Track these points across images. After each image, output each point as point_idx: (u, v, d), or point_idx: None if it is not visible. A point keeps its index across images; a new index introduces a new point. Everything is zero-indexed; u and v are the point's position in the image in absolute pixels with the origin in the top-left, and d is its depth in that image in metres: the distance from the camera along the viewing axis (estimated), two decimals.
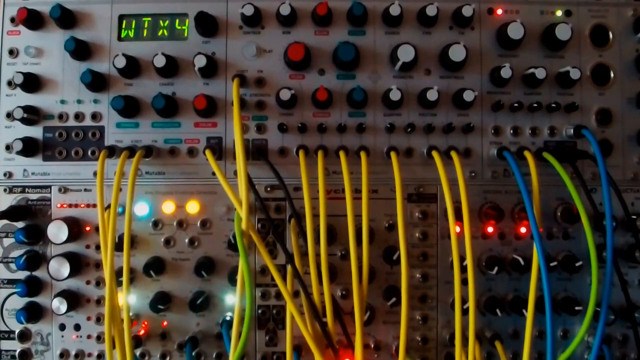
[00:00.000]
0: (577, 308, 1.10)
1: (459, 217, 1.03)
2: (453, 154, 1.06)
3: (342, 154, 1.06)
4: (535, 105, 1.12)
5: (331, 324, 1.01)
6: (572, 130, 1.13)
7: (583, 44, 1.17)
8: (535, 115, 1.15)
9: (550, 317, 0.97)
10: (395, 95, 1.09)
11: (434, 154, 1.06)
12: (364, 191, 1.02)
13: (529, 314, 1.01)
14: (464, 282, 1.02)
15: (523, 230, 1.14)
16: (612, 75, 1.17)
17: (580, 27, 1.16)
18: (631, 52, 1.17)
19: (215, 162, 1.05)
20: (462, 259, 1.03)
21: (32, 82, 1.15)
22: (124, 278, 1.01)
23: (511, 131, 1.14)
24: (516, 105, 1.12)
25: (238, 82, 1.07)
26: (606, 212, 1.02)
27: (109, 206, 1.05)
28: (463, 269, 1.03)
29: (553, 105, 1.13)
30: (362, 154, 1.06)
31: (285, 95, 1.09)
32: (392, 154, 1.07)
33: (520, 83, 1.15)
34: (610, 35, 1.17)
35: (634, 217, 1.14)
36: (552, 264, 1.10)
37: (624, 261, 1.15)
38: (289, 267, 1.05)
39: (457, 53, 1.10)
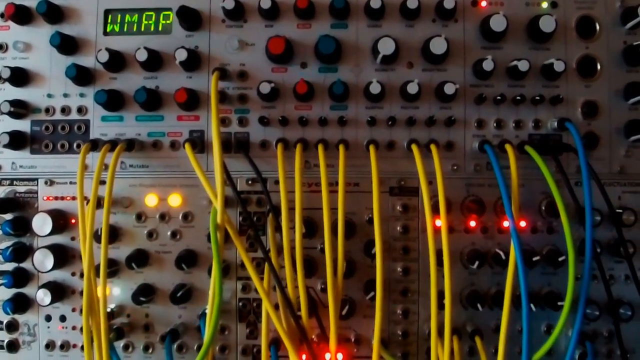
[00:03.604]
0: (560, 303, 1.08)
1: (438, 211, 1.01)
2: (432, 147, 1.06)
3: (320, 147, 1.06)
4: (518, 98, 1.11)
5: (305, 318, 1.01)
6: (556, 123, 1.11)
7: (569, 36, 1.15)
8: (520, 108, 1.13)
9: (527, 313, 0.97)
10: (375, 89, 1.08)
11: (413, 147, 1.06)
12: (340, 184, 1.02)
13: (505, 309, 1.00)
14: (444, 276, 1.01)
15: (506, 224, 1.12)
16: (598, 67, 1.15)
17: (567, 18, 1.15)
18: (619, 43, 1.15)
19: (194, 155, 1.05)
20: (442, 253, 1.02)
21: (20, 77, 1.17)
22: (102, 270, 1.02)
23: (494, 124, 1.13)
24: (499, 98, 1.11)
25: (217, 75, 1.07)
26: (586, 205, 1.01)
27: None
28: (442, 263, 1.02)
29: (537, 98, 1.11)
30: (341, 147, 1.06)
31: (265, 88, 1.09)
32: (371, 147, 1.06)
33: (504, 76, 1.13)
34: (597, 27, 1.15)
35: (619, 211, 1.12)
36: (535, 259, 1.09)
37: (610, 256, 1.13)
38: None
39: (438, 46, 1.09)
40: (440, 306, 1.04)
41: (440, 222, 1.05)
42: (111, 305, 1.14)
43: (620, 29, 1.16)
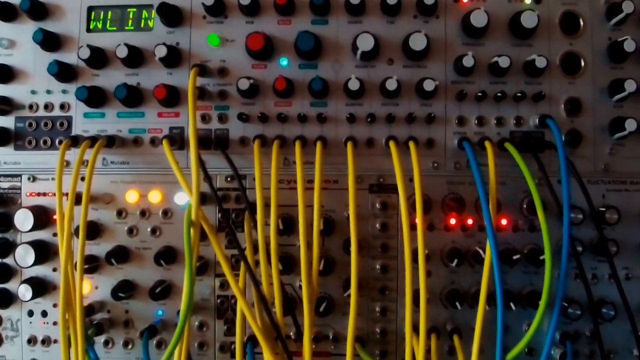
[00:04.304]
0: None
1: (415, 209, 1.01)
2: (411, 144, 1.05)
3: (297, 143, 1.06)
4: (499, 94, 1.10)
5: (280, 316, 1.00)
6: (537, 120, 1.10)
7: (553, 32, 1.14)
8: (501, 105, 1.12)
9: (502, 312, 0.96)
10: (354, 85, 1.08)
11: (391, 144, 1.05)
12: (316, 181, 1.02)
13: (480, 307, 0.99)
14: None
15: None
16: (582, 63, 1.13)
17: (550, 14, 1.14)
18: (603, 40, 1.14)
19: (171, 151, 1.05)
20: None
21: (4, 73, 1.18)
22: (78, 266, 1.03)
23: (476, 121, 1.12)
24: (480, 94, 1.10)
25: (196, 71, 1.07)
26: (564, 203, 1.00)
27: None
28: None
29: (519, 94, 1.10)
30: (318, 144, 1.06)
31: (243, 84, 1.09)
32: (349, 144, 1.06)
33: (486, 72, 1.12)
34: (582, 23, 1.14)
35: (603, 209, 1.10)
36: (515, 257, 1.08)
37: (593, 255, 1.12)
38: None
39: (417, 42, 1.08)
40: (419, 304, 1.04)
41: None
42: (89, 300, 1.13)
43: (605, 25, 1.14)
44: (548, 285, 0.96)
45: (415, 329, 1.00)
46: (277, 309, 1.01)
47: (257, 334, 0.99)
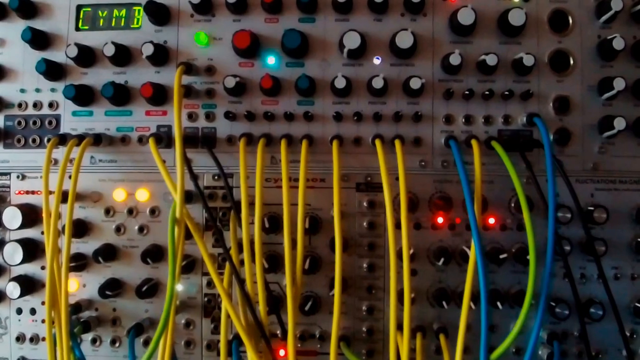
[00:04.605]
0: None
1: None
2: (397, 142, 1.04)
3: (283, 142, 1.06)
4: (487, 93, 1.09)
5: (264, 314, 1.00)
6: (525, 118, 1.09)
7: (541, 30, 1.13)
8: (489, 104, 1.12)
9: (486, 311, 0.95)
10: (340, 83, 1.07)
11: (377, 142, 1.05)
12: (301, 179, 1.02)
13: (464, 306, 0.99)
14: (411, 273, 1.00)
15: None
16: (571, 61, 1.13)
17: (539, 12, 1.13)
18: (593, 38, 1.13)
19: (157, 149, 1.05)
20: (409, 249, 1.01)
21: None
22: (64, 263, 1.03)
23: (463, 119, 1.12)
24: (467, 92, 1.09)
25: (182, 70, 1.07)
26: (549, 202, 0.99)
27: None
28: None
29: (506, 93, 1.09)
30: (304, 142, 1.06)
31: (230, 82, 1.09)
32: (334, 142, 1.05)
33: (474, 70, 1.12)
34: (570, 21, 1.13)
35: (592, 208, 1.10)
36: (502, 256, 1.07)
37: (582, 254, 1.11)
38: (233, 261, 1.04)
39: (404, 40, 1.08)
40: None
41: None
42: (76, 298, 1.14)
43: (594, 22, 1.14)
44: (532, 285, 0.95)
45: (401, 327, 0.99)
46: (261, 307, 1.01)
47: (240, 333, 0.99)
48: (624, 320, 1.08)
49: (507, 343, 0.97)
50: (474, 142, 1.04)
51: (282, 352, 1.10)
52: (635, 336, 1.13)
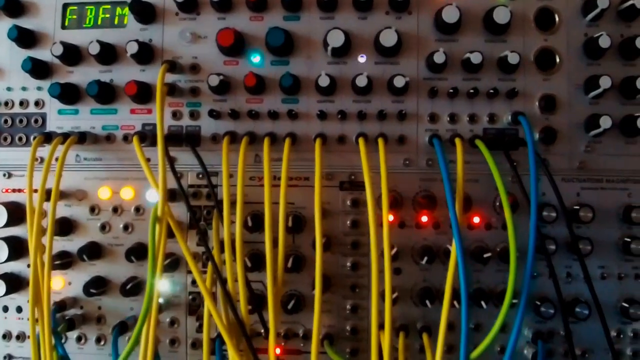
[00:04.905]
0: (514, 301, 1.05)
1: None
2: (380, 141, 1.04)
3: (266, 140, 1.06)
4: (472, 91, 1.09)
5: (244, 313, 1.00)
6: (510, 117, 1.09)
7: (527, 28, 1.12)
8: (475, 102, 1.11)
9: (466, 310, 0.95)
10: (324, 81, 1.07)
11: (360, 141, 1.04)
12: (282, 177, 1.01)
13: (445, 305, 0.98)
14: (395, 272, 1.04)
15: None
16: (557, 60, 1.12)
17: (525, 10, 1.12)
18: (579, 36, 1.13)
19: (141, 148, 1.05)
20: (391, 247, 1.01)
21: None
22: (47, 261, 1.03)
23: (448, 118, 1.11)
24: (451, 91, 1.09)
25: (165, 68, 1.07)
26: (532, 201, 0.99)
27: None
28: (392, 258, 1.02)
29: (491, 91, 1.09)
30: (287, 141, 1.06)
31: (214, 81, 1.09)
32: (317, 141, 1.05)
33: (459, 69, 1.11)
34: (557, 19, 1.12)
35: (577, 207, 1.09)
36: (486, 255, 1.07)
37: (569, 253, 1.10)
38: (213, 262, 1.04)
39: (388, 38, 1.07)
40: (392, 302, 1.03)
41: (391, 217, 1.05)
42: (61, 296, 1.14)
43: (581, 20, 1.13)
44: (512, 284, 0.95)
45: (383, 326, 0.98)
46: (242, 306, 1.01)
47: (222, 332, 0.99)
48: (611, 320, 1.09)
49: (486, 342, 0.97)
50: (457, 141, 1.04)
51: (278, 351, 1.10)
52: (622, 336, 1.12)
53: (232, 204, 1.02)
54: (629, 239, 1.11)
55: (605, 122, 1.07)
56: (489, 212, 1.11)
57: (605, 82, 1.07)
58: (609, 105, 1.12)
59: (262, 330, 1.08)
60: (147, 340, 1.00)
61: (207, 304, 1.01)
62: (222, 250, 1.04)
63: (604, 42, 1.07)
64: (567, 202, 1.09)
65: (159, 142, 1.01)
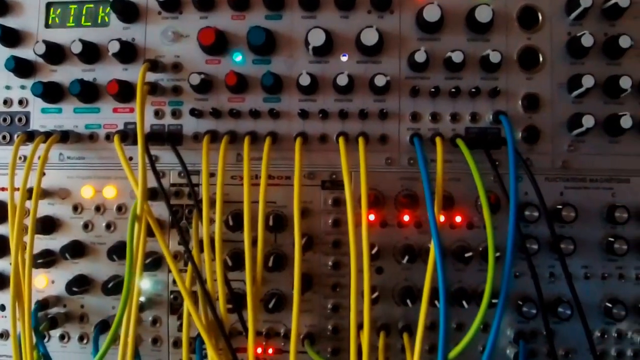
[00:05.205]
0: (494, 301, 1.05)
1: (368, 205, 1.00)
2: (360, 140, 1.04)
3: (247, 139, 1.06)
4: (453, 90, 1.08)
5: (224, 312, 1.00)
6: (492, 116, 1.09)
7: (510, 27, 1.12)
8: (457, 101, 1.11)
9: (444, 309, 0.95)
10: (304, 80, 1.07)
11: (340, 140, 1.04)
12: (262, 176, 1.02)
13: (423, 304, 0.98)
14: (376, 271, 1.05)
15: (441, 219, 1.09)
16: (541, 59, 1.11)
17: (508, 8, 1.12)
18: (563, 35, 1.12)
19: (121, 147, 1.05)
20: (372, 247, 1.01)
21: None
22: (27, 260, 1.03)
23: (430, 117, 1.11)
24: (433, 90, 1.08)
25: (146, 67, 1.07)
26: (511, 200, 0.98)
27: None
28: (372, 257, 1.02)
29: (473, 90, 1.08)
30: (267, 139, 1.06)
31: (194, 79, 1.09)
32: (297, 140, 1.05)
33: (442, 68, 1.11)
34: (540, 17, 1.12)
35: (560, 207, 1.09)
36: (467, 255, 1.07)
37: (552, 253, 1.10)
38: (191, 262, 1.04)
39: (369, 37, 1.07)
40: (373, 301, 1.04)
41: (372, 217, 1.05)
42: (45, 295, 1.14)
43: (564, 19, 1.12)
44: (490, 283, 0.95)
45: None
46: (221, 305, 1.01)
47: (200, 331, 0.99)
48: (594, 320, 1.09)
49: (465, 342, 0.97)
50: (437, 140, 1.04)
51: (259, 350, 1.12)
52: (606, 336, 1.12)
53: (214, 203, 1.02)
54: (612, 239, 1.10)
55: (588, 122, 1.06)
56: (471, 212, 1.11)
57: (587, 81, 1.06)
58: (593, 105, 1.11)
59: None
60: (126, 339, 0.99)
61: (186, 303, 1.00)
62: (202, 249, 1.04)
63: (587, 41, 1.07)
64: (550, 202, 1.09)
65: (139, 141, 1.01)
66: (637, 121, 1.09)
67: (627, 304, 1.09)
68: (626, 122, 1.06)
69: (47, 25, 1.19)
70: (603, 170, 1.12)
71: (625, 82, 1.07)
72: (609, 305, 1.10)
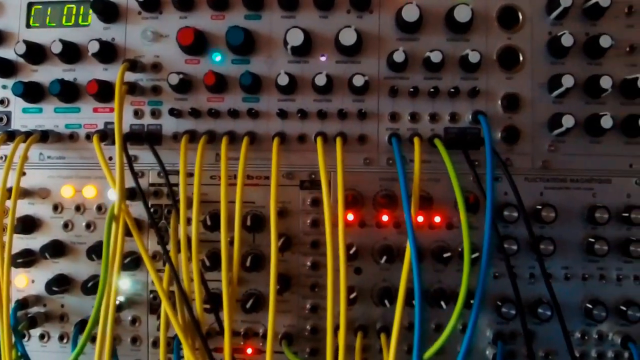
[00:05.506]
0: (472, 301, 1.05)
1: (346, 205, 1.00)
2: (338, 140, 1.03)
3: (224, 139, 1.05)
4: (432, 90, 1.08)
5: (200, 312, 1.00)
6: (471, 116, 1.08)
7: (490, 26, 1.12)
8: (437, 101, 1.10)
9: (420, 310, 0.95)
10: (282, 80, 1.07)
11: (318, 140, 1.04)
12: (239, 176, 1.02)
13: (398, 305, 0.98)
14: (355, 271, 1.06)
15: (420, 219, 1.09)
16: (521, 58, 1.11)
17: (488, 8, 1.11)
18: (543, 34, 1.12)
19: (100, 147, 1.05)
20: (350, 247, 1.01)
21: None
22: (6, 259, 1.03)
23: (409, 117, 1.10)
24: (412, 90, 1.08)
25: (125, 67, 1.07)
26: (487, 200, 0.98)
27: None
28: (350, 258, 1.01)
29: (452, 90, 1.08)
30: (245, 139, 1.05)
31: (173, 79, 1.09)
32: (275, 140, 1.05)
33: (421, 68, 1.10)
34: (520, 17, 1.11)
35: (540, 207, 1.08)
36: (445, 255, 1.06)
37: (532, 254, 1.10)
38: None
39: (347, 37, 1.07)
40: (351, 302, 1.03)
41: (351, 217, 1.05)
42: (24, 294, 1.14)
43: (545, 19, 1.12)
44: (466, 283, 0.94)
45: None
46: (197, 305, 1.01)
47: (177, 331, 0.99)
48: (575, 322, 1.09)
49: (439, 342, 0.96)
50: (415, 140, 1.04)
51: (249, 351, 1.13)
52: (586, 337, 1.12)
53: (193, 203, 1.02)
54: (593, 240, 1.10)
55: (568, 122, 1.06)
56: (451, 212, 1.11)
57: (567, 81, 1.06)
58: (574, 105, 1.11)
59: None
60: (103, 338, 0.99)
61: (164, 304, 1.00)
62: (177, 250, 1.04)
63: (567, 40, 1.06)
64: (530, 202, 1.09)
65: (116, 141, 1.01)
66: (618, 121, 1.08)
67: (607, 305, 1.09)
68: (607, 122, 1.05)
69: (28, 25, 1.19)
70: (584, 170, 1.11)
71: (606, 82, 1.06)
72: (590, 306, 1.10)
